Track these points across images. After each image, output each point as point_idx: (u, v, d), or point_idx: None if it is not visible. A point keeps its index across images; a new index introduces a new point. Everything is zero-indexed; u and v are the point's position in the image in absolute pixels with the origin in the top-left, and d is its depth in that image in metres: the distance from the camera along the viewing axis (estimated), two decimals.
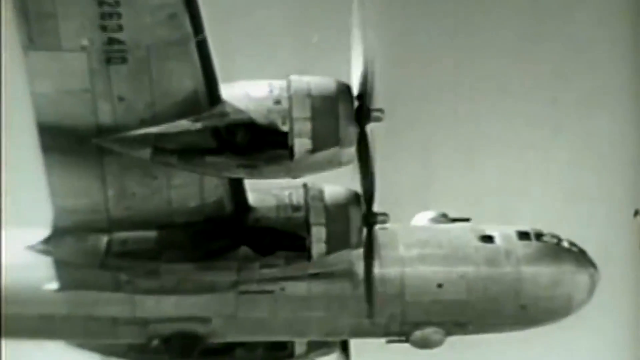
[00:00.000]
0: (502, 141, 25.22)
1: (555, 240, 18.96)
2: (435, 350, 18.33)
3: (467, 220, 19.43)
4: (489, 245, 18.79)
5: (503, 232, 18.98)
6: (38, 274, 17.94)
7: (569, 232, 19.38)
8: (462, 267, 18.63)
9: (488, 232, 18.97)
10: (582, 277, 18.74)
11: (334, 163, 15.96)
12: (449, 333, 18.73)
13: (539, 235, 18.98)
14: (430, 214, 19.55)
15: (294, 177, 16.14)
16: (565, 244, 18.98)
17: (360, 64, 15.90)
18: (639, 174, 25.88)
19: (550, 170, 26.42)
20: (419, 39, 24.01)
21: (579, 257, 18.92)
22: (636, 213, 23.69)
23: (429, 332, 18.57)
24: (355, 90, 16.18)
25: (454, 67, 24.43)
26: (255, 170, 15.90)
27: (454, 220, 19.49)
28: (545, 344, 20.26)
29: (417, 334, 18.60)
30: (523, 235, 18.93)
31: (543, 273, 18.65)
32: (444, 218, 19.46)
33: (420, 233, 19.15)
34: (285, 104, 15.60)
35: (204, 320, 18.31)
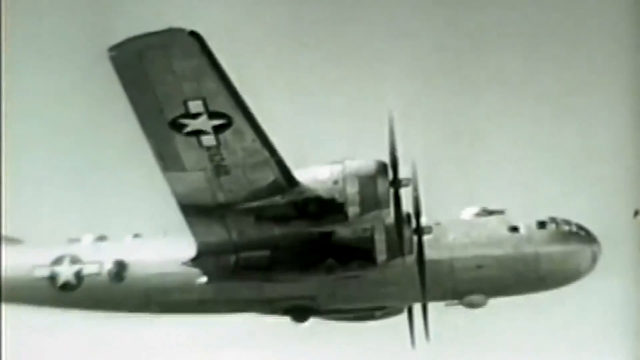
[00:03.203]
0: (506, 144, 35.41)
1: (565, 225, 31.93)
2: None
3: (502, 212, 32.50)
4: (515, 234, 32.02)
5: (526, 223, 31.96)
6: (193, 272, 32.77)
7: None
8: (496, 251, 31.97)
9: (514, 224, 32.10)
10: (586, 253, 31.35)
11: (377, 219, 29.39)
12: (489, 297, 32.42)
13: (553, 223, 31.99)
14: (474, 208, 32.56)
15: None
16: (574, 228, 31.92)
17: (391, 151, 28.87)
18: (639, 174, 32.68)
19: (550, 171, 34.85)
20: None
21: (584, 237, 31.49)
22: (636, 213, 31.54)
23: (475, 297, 32.15)
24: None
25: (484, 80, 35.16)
26: (323, 227, 29.70)
27: (492, 212, 32.54)
28: (549, 344, 31.16)
29: (466, 299, 32.19)
30: (541, 224, 31.90)
31: (556, 252, 31.61)
32: (484, 211, 32.59)
33: (465, 226, 32.23)
34: (341, 183, 28.92)
35: (312, 297, 31.92)
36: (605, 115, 35.94)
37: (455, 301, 31.80)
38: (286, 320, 31.98)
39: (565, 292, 30.95)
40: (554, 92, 36.66)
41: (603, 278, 30.92)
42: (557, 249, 30.46)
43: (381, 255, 30.00)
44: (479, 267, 30.59)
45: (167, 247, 32.10)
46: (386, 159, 28.36)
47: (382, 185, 27.86)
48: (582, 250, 30.58)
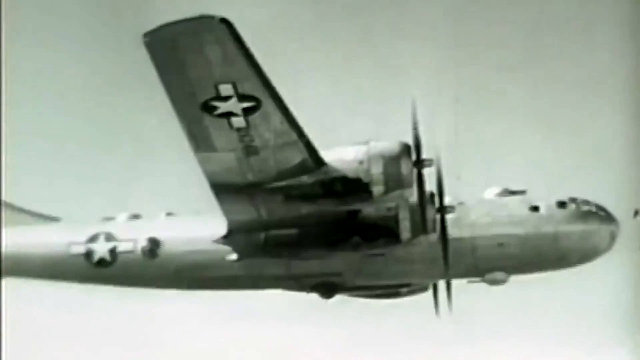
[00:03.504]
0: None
1: (585, 205, 33.31)
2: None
3: (523, 192, 33.96)
4: (536, 214, 33.43)
5: (546, 203, 33.42)
6: (223, 249, 34.43)
7: None
8: (516, 230, 33.35)
9: (535, 203, 33.55)
10: (604, 232, 32.50)
11: (401, 198, 30.89)
12: (510, 274, 33.95)
13: (573, 203, 33.41)
14: (497, 188, 33.96)
15: None
16: (593, 208, 33.37)
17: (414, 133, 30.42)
18: (639, 174, 33.63)
19: (550, 170, 36.00)
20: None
21: (603, 217, 32.78)
22: (636, 213, 32.35)
23: (496, 274, 33.57)
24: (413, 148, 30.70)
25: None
26: (349, 206, 31.28)
27: (514, 192, 33.99)
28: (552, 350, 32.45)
29: (488, 276, 33.56)
30: (561, 204, 33.30)
31: (575, 231, 32.93)
32: (506, 192, 34.00)
33: (487, 205, 33.55)
34: (365, 164, 30.44)
35: (338, 274, 33.30)
36: (605, 114, 36.79)
37: (477, 278, 33.05)
38: (314, 296, 33.30)
39: (566, 285, 31.79)
40: (551, 88, 37.16)
41: (603, 277, 32.41)
42: (576, 228, 31.76)
43: (405, 234, 31.32)
44: (500, 245, 31.92)
45: (199, 225, 33.51)
46: (410, 140, 29.69)
47: (405, 166, 29.30)
48: (601, 230, 31.87)
